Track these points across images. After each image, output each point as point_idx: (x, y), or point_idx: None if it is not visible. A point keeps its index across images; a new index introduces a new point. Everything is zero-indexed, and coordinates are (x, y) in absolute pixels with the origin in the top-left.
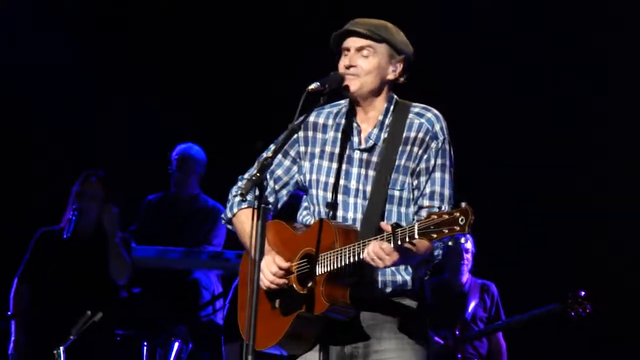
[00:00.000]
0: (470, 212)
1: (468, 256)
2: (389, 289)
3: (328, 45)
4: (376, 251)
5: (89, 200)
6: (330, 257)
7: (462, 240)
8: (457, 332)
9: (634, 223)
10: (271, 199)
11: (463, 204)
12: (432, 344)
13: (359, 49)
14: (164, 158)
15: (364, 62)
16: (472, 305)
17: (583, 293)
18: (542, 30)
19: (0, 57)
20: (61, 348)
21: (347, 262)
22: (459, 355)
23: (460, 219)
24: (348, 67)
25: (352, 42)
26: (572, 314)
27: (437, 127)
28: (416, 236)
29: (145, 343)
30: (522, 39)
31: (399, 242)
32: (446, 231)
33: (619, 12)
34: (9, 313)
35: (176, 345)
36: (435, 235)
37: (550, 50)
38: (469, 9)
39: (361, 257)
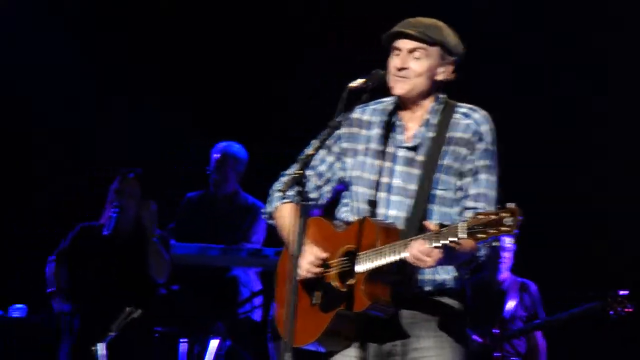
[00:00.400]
0: (519, 212)
1: (507, 254)
2: (429, 288)
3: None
4: (421, 250)
5: (127, 198)
6: (371, 255)
7: (507, 240)
8: (496, 331)
9: None
10: (314, 195)
11: (511, 204)
12: (470, 343)
13: (411, 51)
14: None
15: (415, 64)
16: (511, 303)
17: (623, 292)
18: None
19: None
20: (101, 344)
21: (389, 261)
22: (498, 354)
23: (507, 220)
24: (399, 69)
25: (404, 44)
26: (612, 313)
27: (484, 129)
28: (462, 236)
29: (184, 340)
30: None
31: (445, 242)
32: (493, 231)
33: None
34: (49, 290)
35: (214, 342)
36: (481, 236)
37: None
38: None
39: (403, 256)
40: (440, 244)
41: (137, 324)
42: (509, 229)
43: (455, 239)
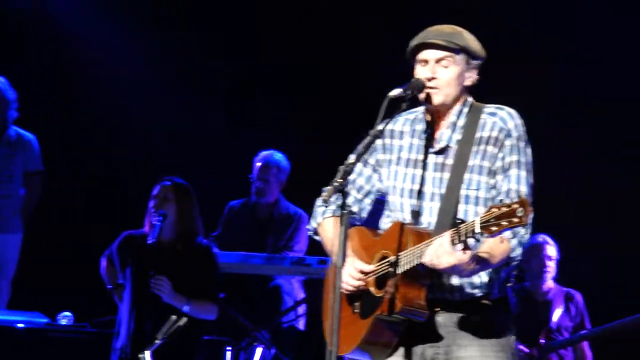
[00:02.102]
0: (527, 203)
1: (551, 263)
2: (467, 291)
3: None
4: (435, 250)
5: (169, 206)
6: (403, 258)
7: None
8: (542, 341)
9: None
10: (355, 209)
11: (522, 196)
12: (516, 352)
13: (438, 60)
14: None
15: (444, 73)
16: (557, 314)
17: None
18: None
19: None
20: (147, 352)
21: (418, 262)
22: None
23: (518, 211)
24: (429, 80)
25: (431, 54)
26: None
27: (511, 124)
28: (478, 230)
29: (229, 348)
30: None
31: (463, 238)
32: (505, 223)
33: None
34: (109, 287)
35: (259, 350)
36: (494, 228)
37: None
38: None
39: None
40: (457, 242)
41: (183, 332)
42: (520, 220)
43: (473, 234)
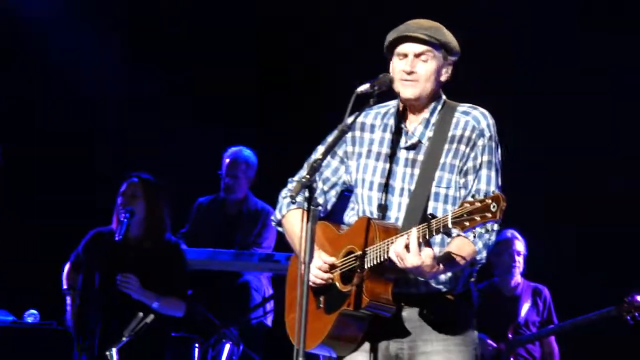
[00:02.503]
0: (502, 198)
1: (520, 259)
2: (432, 286)
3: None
4: (399, 250)
5: (135, 202)
6: (370, 253)
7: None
8: (510, 336)
9: None
10: (320, 200)
11: (495, 191)
12: (485, 347)
13: (418, 54)
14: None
15: (422, 67)
16: (524, 308)
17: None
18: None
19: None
20: (114, 349)
21: (385, 258)
22: (512, 359)
23: (492, 206)
24: (409, 73)
25: (411, 48)
26: (629, 318)
27: (484, 124)
28: (449, 225)
29: (197, 345)
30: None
31: (433, 233)
32: (478, 218)
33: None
34: (64, 288)
35: (227, 347)
36: (467, 224)
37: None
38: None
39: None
40: (428, 237)
41: (151, 329)
42: (493, 215)
43: (444, 229)
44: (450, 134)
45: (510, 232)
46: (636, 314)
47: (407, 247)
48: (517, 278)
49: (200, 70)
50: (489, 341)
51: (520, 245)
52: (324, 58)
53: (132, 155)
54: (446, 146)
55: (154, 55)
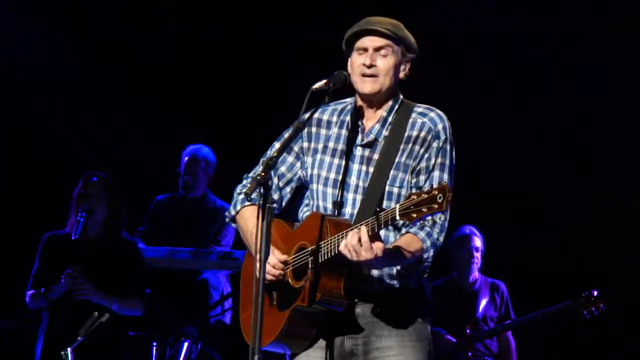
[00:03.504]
0: (448, 189)
1: (478, 254)
2: (385, 282)
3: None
4: (349, 243)
5: (94, 201)
6: (322, 248)
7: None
8: (468, 331)
9: None
10: (275, 197)
11: (442, 182)
12: (444, 342)
13: (378, 49)
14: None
15: (382, 61)
16: (482, 304)
17: (596, 292)
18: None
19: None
20: (69, 349)
21: (336, 253)
22: (470, 354)
23: (438, 197)
24: (368, 67)
25: (370, 42)
26: (585, 312)
27: (440, 127)
28: (397, 217)
29: (155, 343)
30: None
31: (382, 226)
32: (425, 209)
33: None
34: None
35: (185, 345)
36: (415, 215)
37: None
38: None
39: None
40: (378, 228)
41: (108, 328)
42: (439, 206)
43: (392, 221)
44: (406, 134)
45: (468, 229)
46: (592, 308)
47: (359, 241)
48: (475, 274)
49: (158, 68)
50: (448, 336)
51: (478, 241)
52: (278, 56)
53: (87, 154)
54: (401, 146)
55: (112, 52)
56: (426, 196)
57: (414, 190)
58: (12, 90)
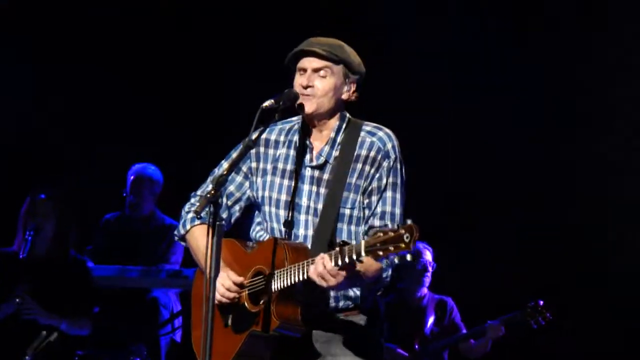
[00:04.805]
0: (415, 229)
1: (429, 269)
2: (341, 304)
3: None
4: (320, 271)
5: (42, 219)
6: (280, 275)
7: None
8: (417, 347)
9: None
10: (224, 215)
11: (409, 221)
12: (396, 357)
13: (316, 70)
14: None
15: (320, 82)
16: (430, 321)
17: (542, 302)
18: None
19: None
20: None
21: (297, 280)
22: None
23: (405, 236)
24: (305, 87)
25: (309, 63)
26: (532, 322)
27: (389, 146)
28: (363, 254)
29: None
30: None
31: (346, 260)
32: (392, 248)
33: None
34: None
35: None
36: (381, 253)
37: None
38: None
39: (307, 275)
40: (342, 263)
41: (57, 347)
42: (406, 246)
43: (357, 257)
44: (355, 153)
45: (421, 244)
46: (539, 318)
47: (324, 268)
48: (424, 289)
49: (104, 87)
50: (399, 350)
51: (429, 255)
52: (227, 74)
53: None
54: (352, 166)
55: (59, 69)
56: (393, 234)
57: (366, 212)
58: None
